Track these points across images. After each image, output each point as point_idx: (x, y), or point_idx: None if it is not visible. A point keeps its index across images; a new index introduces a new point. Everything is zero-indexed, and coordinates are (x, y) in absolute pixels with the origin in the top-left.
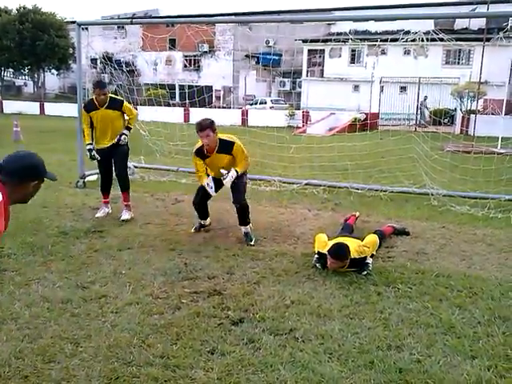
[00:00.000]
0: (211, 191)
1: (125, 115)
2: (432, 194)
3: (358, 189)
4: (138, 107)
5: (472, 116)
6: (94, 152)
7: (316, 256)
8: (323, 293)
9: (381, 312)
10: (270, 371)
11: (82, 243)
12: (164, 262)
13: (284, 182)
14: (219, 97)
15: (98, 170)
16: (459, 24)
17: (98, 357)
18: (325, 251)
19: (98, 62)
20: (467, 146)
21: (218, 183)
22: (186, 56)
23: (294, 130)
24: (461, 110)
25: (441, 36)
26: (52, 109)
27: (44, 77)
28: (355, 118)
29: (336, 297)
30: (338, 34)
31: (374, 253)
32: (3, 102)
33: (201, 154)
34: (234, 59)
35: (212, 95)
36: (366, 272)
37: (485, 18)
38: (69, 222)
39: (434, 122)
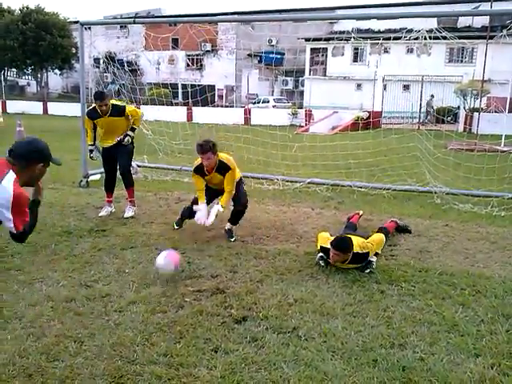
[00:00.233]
0: (201, 217)
1: (130, 117)
2: (435, 192)
3: (361, 187)
4: (141, 106)
5: (475, 114)
6: (93, 153)
7: (319, 253)
8: (326, 291)
9: (384, 310)
10: (274, 369)
11: (85, 242)
12: None
13: (287, 181)
14: (222, 96)
15: (101, 170)
16: (462, 22)
17: (101, 355)
18: (328, 245)
19: (101, 61)
20: (470, 143)
21: (216, 193)
22: (188, 55)
23: (297, 128)
24: (464, 108)
25: (444, 34)
26: (55, 108)
27: (47, 76)
28: (358, 117)
29: (339, 295)
30: (341, 32)
31: (379, 251)
32: (6, 101)
33: (200, 171)
34: (236, 58)
35: (215, 94)
36: (369, 270)
37: (488, 16)
38: (72, 221)
39: (437, 120)
